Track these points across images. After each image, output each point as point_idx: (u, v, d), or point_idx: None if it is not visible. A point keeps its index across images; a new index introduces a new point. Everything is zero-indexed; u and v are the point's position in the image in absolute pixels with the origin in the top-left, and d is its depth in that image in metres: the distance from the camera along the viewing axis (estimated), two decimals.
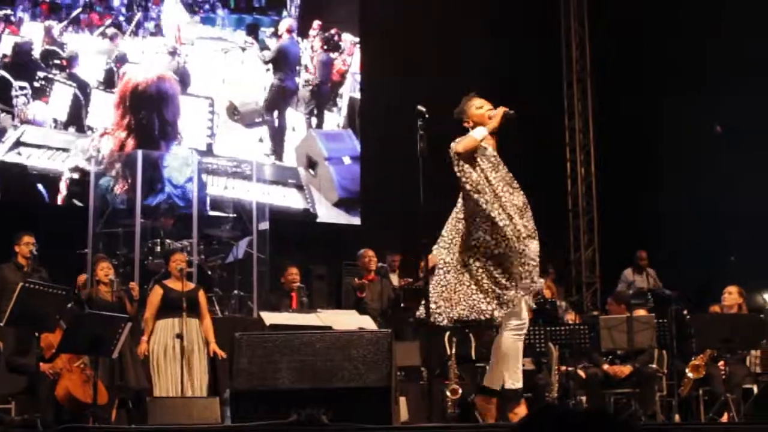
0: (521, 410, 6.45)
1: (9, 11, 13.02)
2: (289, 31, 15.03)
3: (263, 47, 14.90)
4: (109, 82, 13.54)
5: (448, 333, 10.69)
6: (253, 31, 14.88)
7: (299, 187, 14.71)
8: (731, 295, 10.28)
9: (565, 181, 16.83)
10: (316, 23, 15.34)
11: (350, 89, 15.55)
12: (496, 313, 6.24)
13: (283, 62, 14.94)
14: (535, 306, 6.85)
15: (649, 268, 13.66)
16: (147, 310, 9.85)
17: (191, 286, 10.26)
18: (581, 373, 10.48)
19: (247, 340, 6.07)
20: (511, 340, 6.44)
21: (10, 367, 8.80)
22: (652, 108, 15.04)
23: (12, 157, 12.65)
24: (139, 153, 12.59)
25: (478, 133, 6.38)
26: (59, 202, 12.93)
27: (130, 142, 13.20)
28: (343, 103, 15.49)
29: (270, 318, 9.78)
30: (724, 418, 9.21)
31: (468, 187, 6.30)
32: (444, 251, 6.43)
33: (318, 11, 15.47)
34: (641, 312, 10.66)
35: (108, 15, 13.75)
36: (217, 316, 11.66)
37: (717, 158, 13.89)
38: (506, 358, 6.48)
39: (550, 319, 10.71)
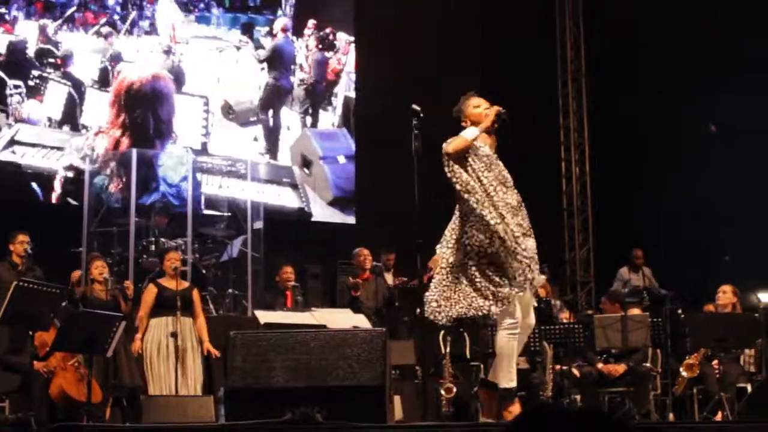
0: (515, 409, 6.46)
1: (3, 10, 12.99)
2: (284, 30, 15.02)
3: (258, 46, 14.89)
4: (103, 81, 13.53)
5: (442, 332, 10.70)
6: (248, 30, 14.87)
7: (294, 186, 14.70)
8: (725, 294, 10.29)
9: (559, 180, 16.84)
10: (311, 22, 15.33)
11: (345, 88, 15.55)
12: (493, 308, 6.28)
13: (278, 61, 14.94)
14: (535, 304, 6.86)
15: (645, 266, 13.68)
16: (141, 308, 9.84)
17: (185, 284, 10.25)
18: (576, 371, 10.49)
19: (241, 338, 6.07)
20: (506, 339, 6.46)
21: (4, 365, 8.80)
22: (646, 107, 15.05)
23: (6, 156, 12.63)
24: (134, 152, 12.59)
25: (470, 134, 6.40)
26: (54, 200, 12.92)
27: (125, 141, 13.19)
28: (337, 102, 15.49)
29: (264, 317, 9.78)
30: (718, 417, 9.21)
31: (458, 187, 6.33)
32: (447, 251, 6.47)
33: (313, 10, 15.46)
34: (635, 311, 10.67)
35: (103, 14, 13.73)
36: (212, 314, 11.66)
37: (712, 157, 13.90)
38: (500, 356, 6.50)
39: (545, 318, 10.70)
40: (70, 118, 13.18)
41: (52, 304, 8.21)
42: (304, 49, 15.31)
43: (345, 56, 15.58)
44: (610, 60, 15.81)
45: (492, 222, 6.23)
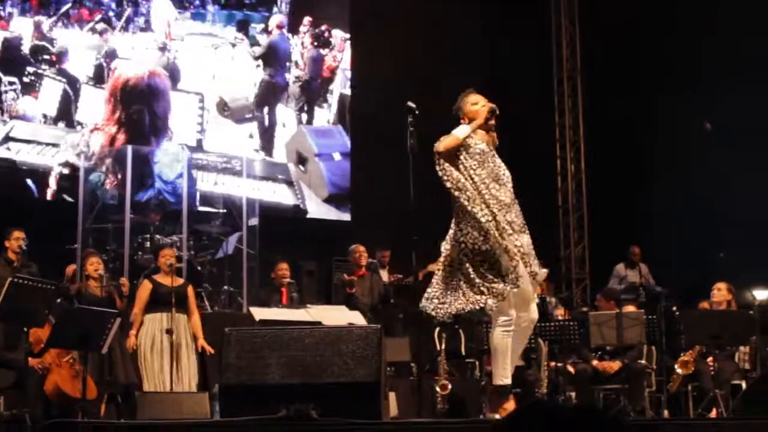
0: (510, 406, 6.49)
1: None
2: (279, 27, 15.01)
3: (253, 43, 14.88)
4: (98, 78, 13.51)
5: (438, 328, 10.71)
6: (243, 27, 14.86)
7: (289, 183, 14.70)
8: (720, 292, 10.29)
9: (555, 177, 16.85)
10: (307, 19, 15.33)
11: (340, 85, 15.55)
12: (489, 301, 6.32)
13: (273, 58, 14.93)
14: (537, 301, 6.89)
15: (642, 263, 13.70)
16: (136, 304, 9.85)
17: (180, 281, 10.25)
18: (570, 368, 10.50)
19: (236, 335, 6.07)
20: (500, 336, 6.49)
21: None
22: (642, 105, 15.05)
23: (1, 153, 12.62)
24: (129, 148, 12.58)
25: (461, 132, 6.45)
26: (49, 197, 12.90)
27: (121, 137, 13.18)
28: (333, 99, 15.49)
29: (259, 313, 9.77)
30: (713, 414, 9.22)
31: (449, 185, 6.39)
32: (447, 248, 6.52)
33: (308, 7, 15.46)
34: (630, 308, 10.68)
35: (98, 10, 13.72)
36: (207, 311, 11.66)
37: (707, 155, 13.90)
38: (495, 354, 6.53)
39: (540, 315, 10.70)
40: (65, 114, 13.17)
41: (47, 300, 8.19)
42: (300, 46, 15.31)
43: (340, 53, 15.58)
44: (606, 58, 15.81)
45: (483, 219, 6.28)
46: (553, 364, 10.33)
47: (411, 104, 6.62)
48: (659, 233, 14.30)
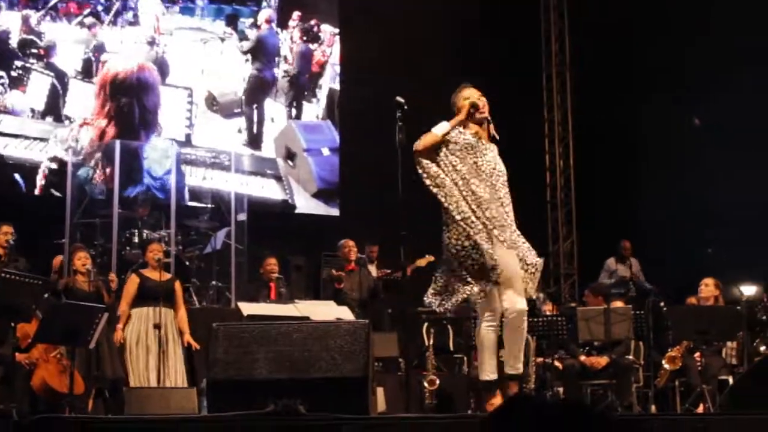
0: (497, 401, 6.49)
1: None
2: (268, 21, 14.99)
3: (242, 38, 14.86)
4: (87, 72, 13.48)
5: (426, 324, 10.73)
6: (232, 21, 14.83)
7: (278, 178, 14.69)
8: (708, 287, 10.31)
9: (543, 173, 16.87)
10: (296, 14, 15.31)
11: (329, 80, 15.54)
12: (475, 289, 6.35)
13: (261, 53, 14.91)
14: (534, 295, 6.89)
15: (632, 257, 13.72)
16: (123, 298, 9.84)
17: (168, 276, 10.24)
18: (558, 364, 10.51)
19: (224, 330, 6.06)
20: (484, 331, 6.53)
21: None
22: (631, 100, 15.06)
23: None
24: (117, 143, 12.55)
25: (439, 129, 6.49)
26: (37, 192, 12.87)
27: (111, 131, 13.15)
28: (322, 94, 15.48)
29: (247, 308, 9.77)
30: (700, 409, 9.25)
31: (427, 182, 6.46)
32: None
33: (298, 2, 15.44)
34: (618, 303, 10.70)
35: (86, 4, 13.68)
36: (195, 306, 11.65)
37: (696, 151, 13.92)
38: (480, 349, 6.57)
39: (528, 311, 10.72)
40: (53, 109, 13.13)
41: (35, 295, 8.16)
42: (289, 41, 15.29)
43: (330, 48, 15.57)
44: (595, 53, 15.82)
45: (458, 217, 6.34)
46: (540, 359, 10.35)
47: (399, 99, 6.62)
48: (647, 229, 14.32)
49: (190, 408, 8.60)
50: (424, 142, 6.46)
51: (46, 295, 8.73)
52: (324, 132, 15.30)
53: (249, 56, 14.82)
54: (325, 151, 15.14)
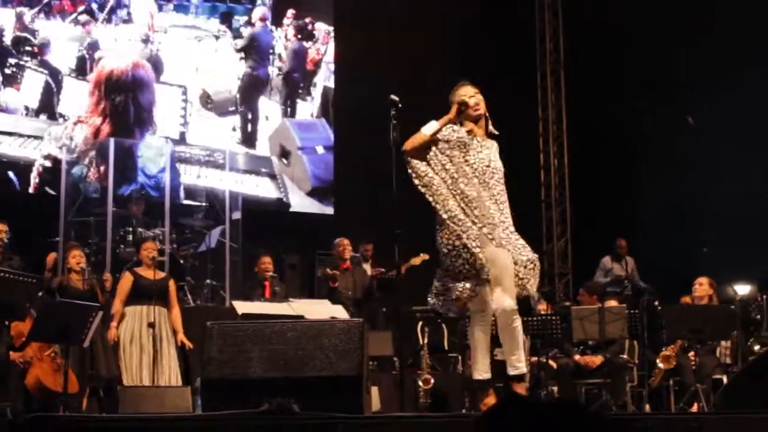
0: (490, 400, 6.48)
1: None
2: (263, 19, 14.98)
3: (237, 36, 14.85)
4: (81, 70, 13.46)
5: (420, 323, 10.73)
6: (226, 19, 14.82)
7: (272, 177, 14.68)
8: (702, 287, 10.32)
9: (538, 171, 16.88)
10: (290, 12, 15.29)
11: (324, 78, 15.53)
12: (467, 287, 6.34)
13: (254, 50, 14.90)
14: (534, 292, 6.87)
15: (628, 256, 13.74)
16: (117, 296, 9.83)
17: (162, 275, 10.23)
18: (553, 363, 10.52)
19: (218, 329, 6.05)
20: (477, 330, 6.53)
21: None
22: (625, 99, 15.07)
23: None
24: (111, 141, 12.53)
25: (428, 128, 6.49)
26: (31, 190, 12.85)
27: (106, 129, 13.13)
28: (316, 92, 15.47)
29: (242, 307, 9.77)
30: (694, 408, 9.26)
31: (416, 182, 6.48)
32: None
33: (292, 0, 15.42)
34: (613, 303, 10.71)
35: (80, 2, 13.65)
36: (189, 305, 11.64)
37: (690, 150, 13.93)
38: (473, 348, 6.58)
39: (523, 310, 10.72)
40: (47, 106, 13.11)
41: (29, 293, 8.16)
42: (283, 39, 15.28)
43: (324, 46, 15.56)
44: (589, 52, 15.83)
45: (444, 216, 6.37)
46: (535, 358, 10.35)
47: (394, 97, 6.62)
48: (641, 228, 14.34)
49: (184, 407, 8.59)
50: (412, 141, 6.46)
51: (40, 294, 8.72)
52: (318, 130, 15.30)
53: (243, 54, 14.81)
54: (320, 150, 15.14)
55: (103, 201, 12.23)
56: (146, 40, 14.05)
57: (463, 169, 6.44)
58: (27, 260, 10.35)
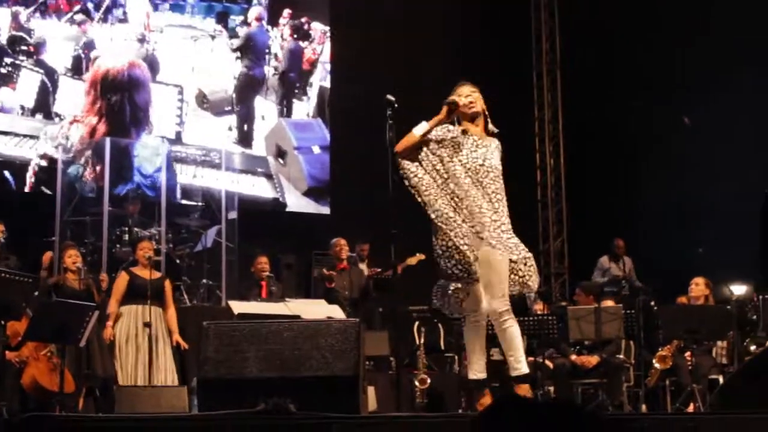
0: (486, 400, 6.48)
1: None
2: (258, 19, 14.97)
3: (233, 35, 14.84)
4: (77, 69, 13.44)
5: (417, 323, 10.73)
6: (222, 19, 14.81)
7: (268, 176, 14.68)
8: (698, 287, 10.32)
9: (534, 171, 16.88)
10: (287, 12, 15.29)
11: (320, 78, 15.52)
12: (458, 286, 6.42)
13: (250, 50, 14.89)
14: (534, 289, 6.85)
15: (626, 256, 13.74)
16: (112, 295, 9.82)
17: (158, 275, 10.23)
18: (549, 363, 10.51)
19: (214, 328, 6.04)
20: (471, 330, 6.54)
21: None
22: (621, 99, 15.08)
23: None
24: (107, 140, 12.52)
25: (418, 129, 6.50)
26: (27, 189, 12.83)
27: (102, 128, 13.12)
28: (312, 92, 15.46)
29: (238, 307, 9.77)
30: (690, 408, 9.25)
31: (406, 183, 6.47)
32: None
33: (288, 0, 15.42)
34: (609, 303, 10.70)
35: (76, 1, 13.64)
36: (186, 305, 11.63)
37: (687, 150, 13.94)
38: (468, 348, 6.59)
39: (519, 310, 10.72)
40: (43, 106, 13.10)
41: (25, 293, 8.15)
42: (279, 39, 15.27)
43: (320, 46, 15.55)
44: (585, 52, 15.84)
45: (432, 215, 6.42)
46: (531, 358, 10.34)
47: (390, 97, 6.61)
48: (638, 228, 14.35)
49: (180, 407, 8.59)
50: (402, 144, 6.47)
51: (36, 293, 8.71)
52: (314, 130, 15.29)
53: (239, 54, 14.80)
54: (316, 149, 15.13)
55: (99, 200, 12.21)
56: (142, 40, 14.05)
57: (455, 169, 6.44)
58: (23, 260, 10.34)
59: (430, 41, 15.18)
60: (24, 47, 13.11)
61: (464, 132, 6.57)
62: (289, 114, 15.17)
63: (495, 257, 6.33)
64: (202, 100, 14.39)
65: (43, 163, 12.81)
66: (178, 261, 12.46)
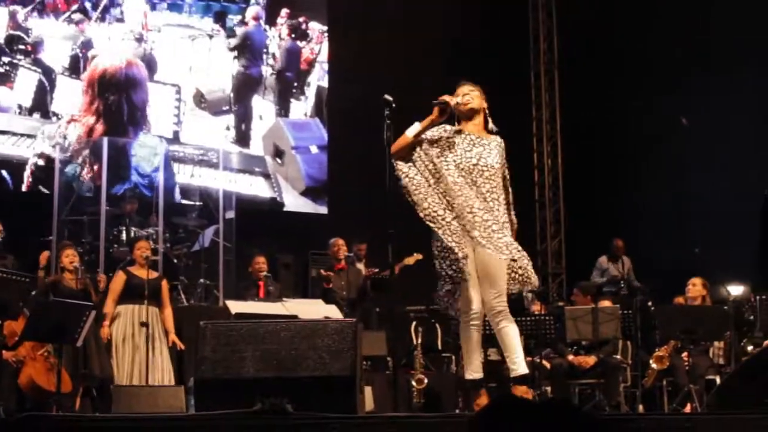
0: (482, 401, 6.47)
1: None
2: (256, 18, 14.97)
3: (230, 35, 14.83)
4: (74, 68, 13.44)
5: (414, 323, 10.73)
6: (220, 18, 14.80)
7: (266, 176, 14.67)
8: (695, 287, 10.32)
9: (531, 171, 16.88)
10: (284, 11, 15.28)
11: (318, 78, 15.52)
12: (453, 288, 6.40)
13: (248, 49, 14.89)
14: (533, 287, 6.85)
15: (625, 256, 13.74)
16: (109, 294, 9.81)
17: (155, 274, 10.23)
18: (546, 363, 10.51)
19: (212, 328, 6.04)
20: (466, 330, 6.53)
21: None
22: (619, 99, 15.09)
23: None
24: (105, 140, 12.51)
25: (411, 130, 6.52)
26: (24, 188, 12.83)
27: (99, 128, 13.11)
28: (310, 91, 15.46)
29: (235, 307, 9.76)
30: (687, 409, 9.26)
31: (401, 183, 6.49)
32: None
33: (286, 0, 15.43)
34: (606, 303, 10.71)
35: (74, 0, 13.63)
36: (183, 304, 11.62)
37: (684, 151, 13.95)
38: (464, 348, 6.59)
39: (516, 310, 10.72)
40: (41, 105, 13.09)
41: (22, 292, 8.15)
42: (277, 38, 15.27)
43: (318, 45, 15.55)
44: (583, 52, 15.84)
45: (421, 215, 6.44)
46: (528, 358, 10.34)
47: (388, 97, 6.61)
48: (635, 228, 14.35)
49: (177, 406, 8.59)
50: (396, 145, 6.49)
51: (33, 293, 8.71)
52: (312, 130, 15.29)
53: (236, 53, 14.80)
54: (314, 149, 15.13)
55: (97, 200, 12.20)
56: (140, 39, 14.04)
57: (447, 168, 6.44)
58: (20, 259, 10.33)
59: (427, 41, 15.18)
60: (21, 46, 13.11)
61: (459, 131, 6.57)
62: (286, 114, 15.17)
63: (489, 256, 6.32)
64: (199, 99, 14.39)
65: (41, 162, 12.80)
66: (175, 260, 12.46)
